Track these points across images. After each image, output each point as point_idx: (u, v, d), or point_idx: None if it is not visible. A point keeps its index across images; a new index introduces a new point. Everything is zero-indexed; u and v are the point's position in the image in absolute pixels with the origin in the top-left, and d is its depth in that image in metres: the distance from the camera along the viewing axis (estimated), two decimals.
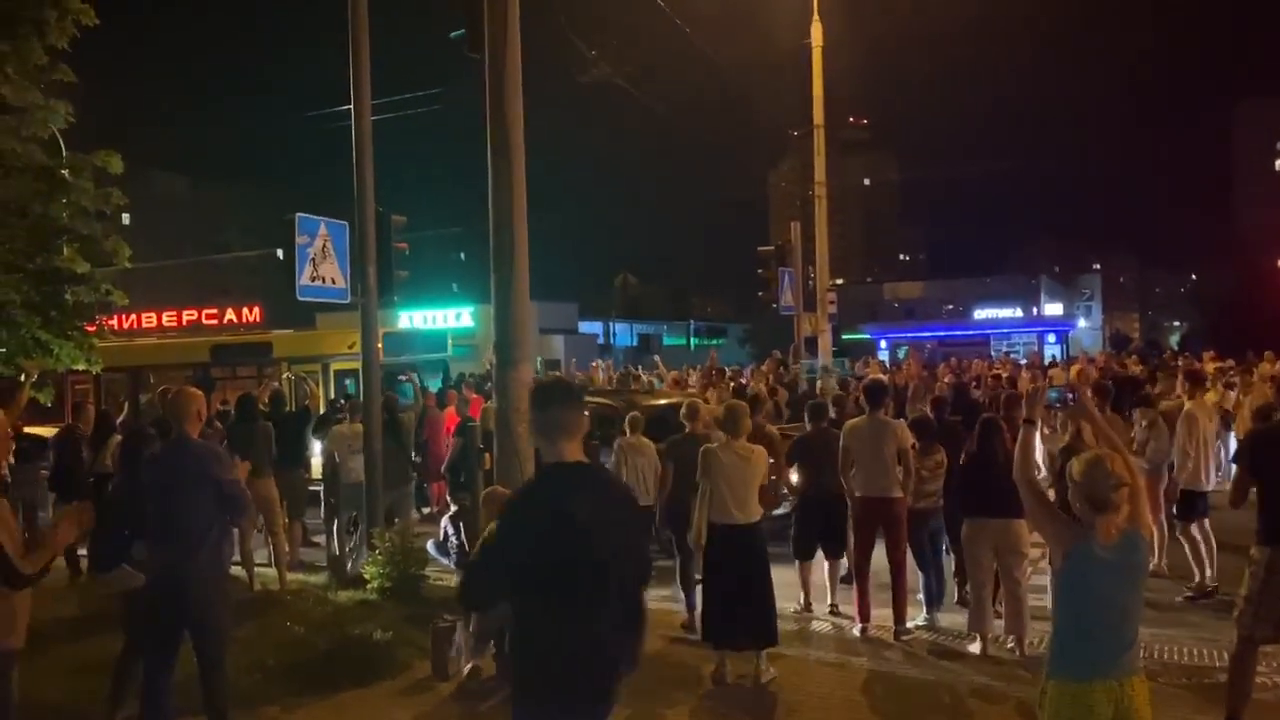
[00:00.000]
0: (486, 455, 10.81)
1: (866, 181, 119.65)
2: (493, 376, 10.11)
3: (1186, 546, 8.56)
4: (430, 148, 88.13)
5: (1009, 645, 7.10)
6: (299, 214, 9.38)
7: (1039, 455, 5.66)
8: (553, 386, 3.45)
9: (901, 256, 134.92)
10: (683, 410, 8.66)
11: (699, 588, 7.28)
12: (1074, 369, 20.11)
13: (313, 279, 9.41)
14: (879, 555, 7.92)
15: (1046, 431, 8.88)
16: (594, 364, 21.63)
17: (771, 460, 7.29)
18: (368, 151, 9.72)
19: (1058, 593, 3.66)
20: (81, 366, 11.99)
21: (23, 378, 10.61)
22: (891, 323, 63.05)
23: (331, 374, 14.81)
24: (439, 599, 8.09)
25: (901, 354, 35.11)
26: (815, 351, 20.38)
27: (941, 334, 51.08)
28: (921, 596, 7.98)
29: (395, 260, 10.02)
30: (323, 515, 10.97)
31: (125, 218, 14.52)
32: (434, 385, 14.99)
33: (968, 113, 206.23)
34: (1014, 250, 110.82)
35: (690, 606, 7.80)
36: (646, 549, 3.59)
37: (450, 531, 8.69)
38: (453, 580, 8.61)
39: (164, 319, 22.47)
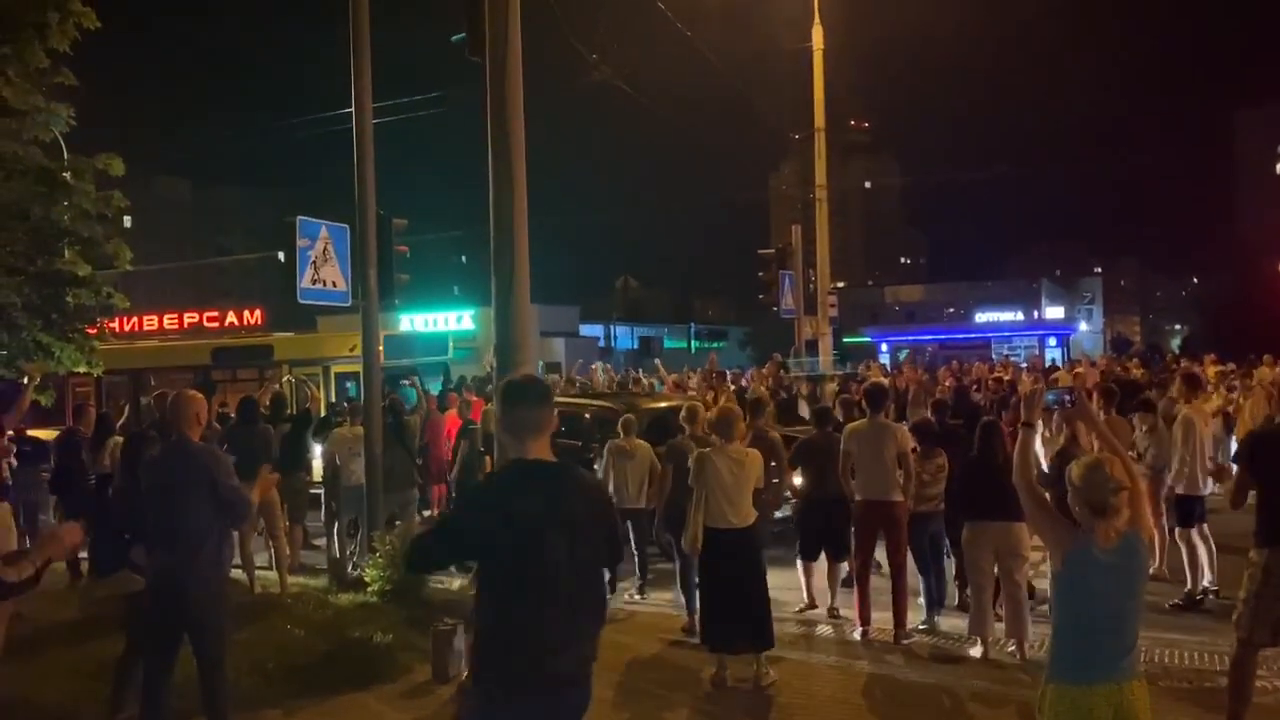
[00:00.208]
0: (487, 458, 10.83)
1: (867, 185, 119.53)
2: (494, 379, 10.11)
3: (1184, 552, 8.39)
4: (431, 151, 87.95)
5: (1009, 649, 7.09)
6: (300, 217, 9.40)
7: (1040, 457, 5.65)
8: (520, 385, 3.46)
9: (902, 260, 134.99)
10: (682, 413, 8.67)
11: (699, 591, 7.28)
12: (1075, 371, 20.06)
13: (314, 282, 9.43)
14: (879, 558, 7.93)
15: (1046, 435, 8.87)
16: (593, 366, 21.60)
17: (774, 463, 7.27)
18: (369, 154, 9.74)
19: (1057, 596, 3.65)
20: (82, 369, 12.01)
21: (26, 381, 10.62)
22: (892, 326, 63.15)
23: (332, 377, 14.82)
24: (440, 602, 8.09)
25: (902, 357, 35.14)
26: (816, 354, 20.37)
27: (942, 337, 51.21)
28: (922, 600, 7.96)
29: (396, 263, 10.04)
30: (323, 518, 10.97)
31: (126, 220, 14.50)
32: (435, 388, 14.99)
33: (969, 116, 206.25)
34: (1015, 253, 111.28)
35: (691, 610, 7.79)
36: (616, 539, 3.60)
37: None
38: (454, 584, 8.61)
39: (165, 322, 22.53)
